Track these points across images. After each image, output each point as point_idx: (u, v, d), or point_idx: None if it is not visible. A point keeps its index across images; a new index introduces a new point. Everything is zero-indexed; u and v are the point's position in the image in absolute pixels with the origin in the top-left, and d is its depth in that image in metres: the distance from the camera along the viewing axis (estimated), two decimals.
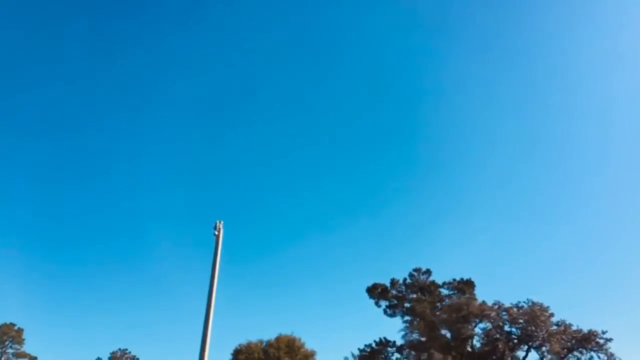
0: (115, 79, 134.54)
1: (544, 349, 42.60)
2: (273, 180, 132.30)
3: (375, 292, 54.97)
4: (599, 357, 41.16)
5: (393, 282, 54.58)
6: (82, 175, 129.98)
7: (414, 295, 53.19)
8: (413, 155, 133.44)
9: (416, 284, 53.55)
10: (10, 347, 67.37)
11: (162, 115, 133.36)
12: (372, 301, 55.58)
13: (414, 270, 54.05)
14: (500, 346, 43.47)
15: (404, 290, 54.02)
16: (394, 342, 51.53)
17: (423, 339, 48.77)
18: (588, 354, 41.64)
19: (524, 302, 44.71)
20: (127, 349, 72.97)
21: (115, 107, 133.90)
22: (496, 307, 46.09)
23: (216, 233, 20.78)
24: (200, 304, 19.69)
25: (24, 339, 67.61)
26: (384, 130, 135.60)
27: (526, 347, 43.70)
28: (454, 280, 52.69)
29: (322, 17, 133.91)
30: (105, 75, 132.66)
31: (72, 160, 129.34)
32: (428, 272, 53.93)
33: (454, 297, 52.56)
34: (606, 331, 41.95)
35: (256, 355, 51.66)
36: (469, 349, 47.89)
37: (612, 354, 40.83)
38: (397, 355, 51.70)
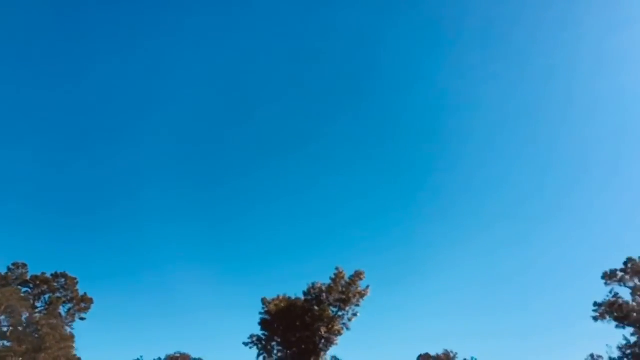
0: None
1: None
2: None
3: None
4: None
5: None
6: None
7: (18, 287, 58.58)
8: None
9: (15, 277, 58.62)
10: None
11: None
12: None
13: (12, 264, 59.56)
14: None
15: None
16: None
17: None
18: None
19: None
20: None
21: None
22: None
23: None
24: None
25: None
26: None
27: None
28: (43, 273, 59.86)
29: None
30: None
31: None
32: (25, 265, 60.10)
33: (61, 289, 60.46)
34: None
35: None
36: None
37: None
38: None
